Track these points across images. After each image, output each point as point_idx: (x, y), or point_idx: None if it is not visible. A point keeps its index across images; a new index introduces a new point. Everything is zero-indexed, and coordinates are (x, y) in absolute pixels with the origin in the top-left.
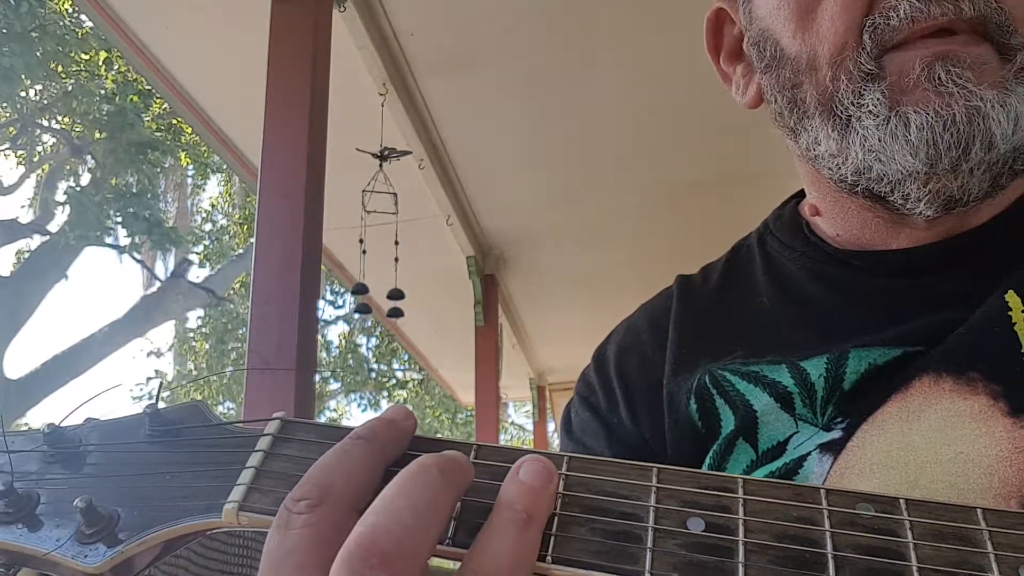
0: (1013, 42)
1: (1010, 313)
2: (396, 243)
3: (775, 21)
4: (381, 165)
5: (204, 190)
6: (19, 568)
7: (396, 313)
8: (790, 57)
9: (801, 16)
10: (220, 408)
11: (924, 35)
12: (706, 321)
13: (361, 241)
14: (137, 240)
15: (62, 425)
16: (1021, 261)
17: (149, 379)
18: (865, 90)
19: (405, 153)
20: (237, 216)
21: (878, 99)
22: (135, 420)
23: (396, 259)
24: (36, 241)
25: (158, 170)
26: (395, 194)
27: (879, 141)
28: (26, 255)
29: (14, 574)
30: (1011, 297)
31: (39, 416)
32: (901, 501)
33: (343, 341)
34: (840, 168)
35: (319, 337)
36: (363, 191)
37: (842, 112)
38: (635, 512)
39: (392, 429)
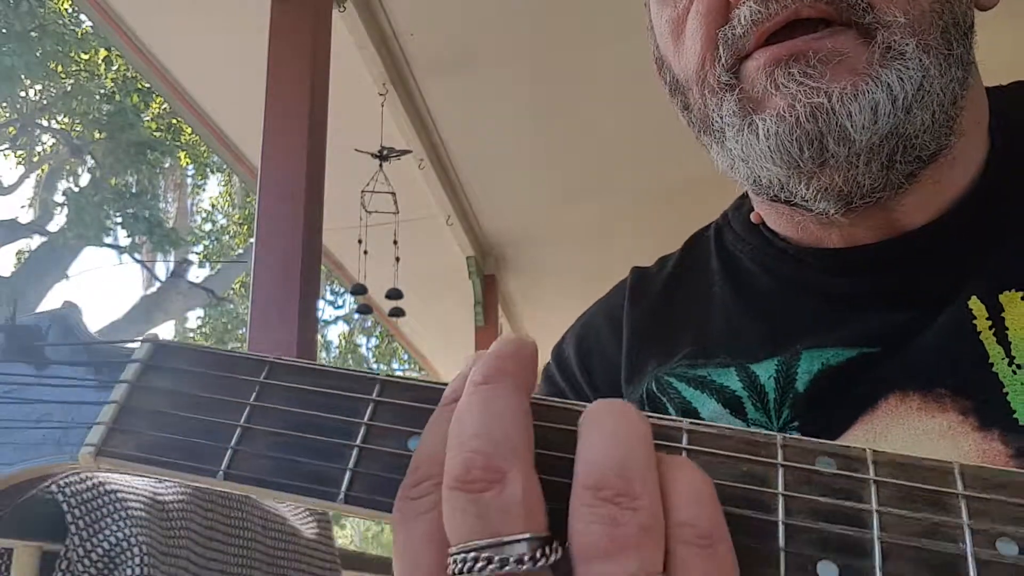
0: (868, 20)
1: (975, 322)
2: (396, 243)
3: (665, 47)
4: (381, 165)
5: (204, 190)
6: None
7: (397, 313)
8: (679, 80)
9: (675, 39)
10: None
11: (773, 33)
12: (657, 315)
13: (361, 241)
14: (137, 240)
15: None
16: (979, 263)
17: None
18: (724, 101)
19: (405, 153)
20: (237, 216)
21: (733, 110)
22: None
23: (396, 259)
24: (36, 241)
25: (158, 170)
26: (394, 194)
27: (743, 150)
28: (26, 255)
29: (8, 556)
30: (975, 304)
31: None
32: (868, 453)
33: (343, 341)
34: (740, 179)
35: (319, 337)
36: (363, 191)
37: (717, 127)
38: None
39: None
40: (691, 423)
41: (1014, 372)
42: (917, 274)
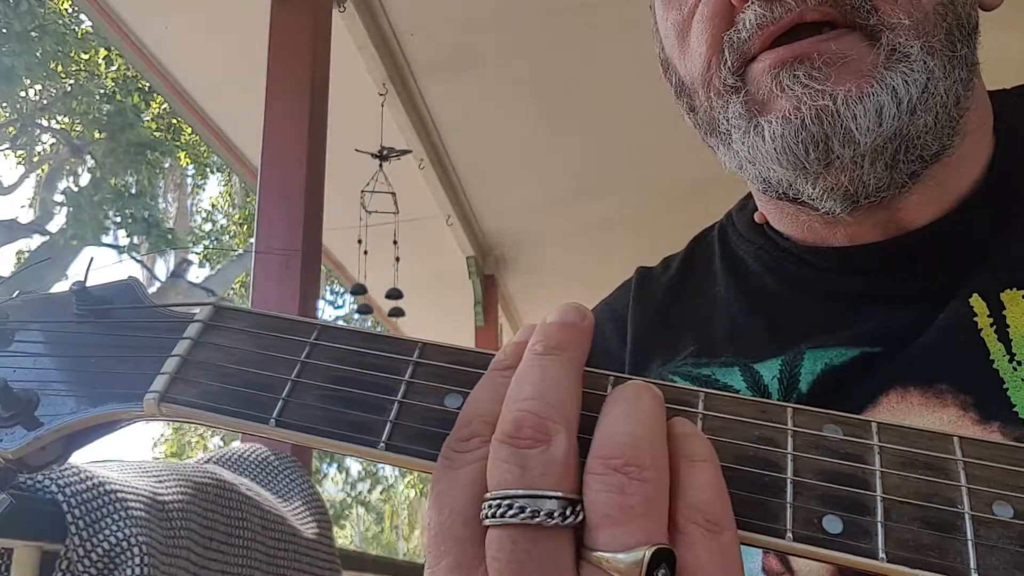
0: (873, 22)
1: (976, 319)
2: (395, 243)
3: (670, 50)
4: (381, 165)
5: (204, 190)
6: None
7: (397, 313)
8: (685, 83)
9: (680, 41)
10: None
11: (778, 37)
12: (661, 314)
13: (361, 241)
14: (136, 240)
15: None
16: (981, 262)
17: None
18: (730, 104)
19: (405, 153)
20: (237, 216)
21: (739, 112)
22: (63, 298)
23: (396, 259)
24: (36, 241)
25: (158, 170)
26: (394, 194)
27: (749, 151)
28: (26, 255)
29: (8, 556)
30: (976, 302)
31: None
32: (873, 424)
33: None
34: (749, 179)
35: None
36: (363, 191)
37: (723, 128)
38: None
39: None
40: (707, 392)
41: (1014, 369)
42: (920, 273)
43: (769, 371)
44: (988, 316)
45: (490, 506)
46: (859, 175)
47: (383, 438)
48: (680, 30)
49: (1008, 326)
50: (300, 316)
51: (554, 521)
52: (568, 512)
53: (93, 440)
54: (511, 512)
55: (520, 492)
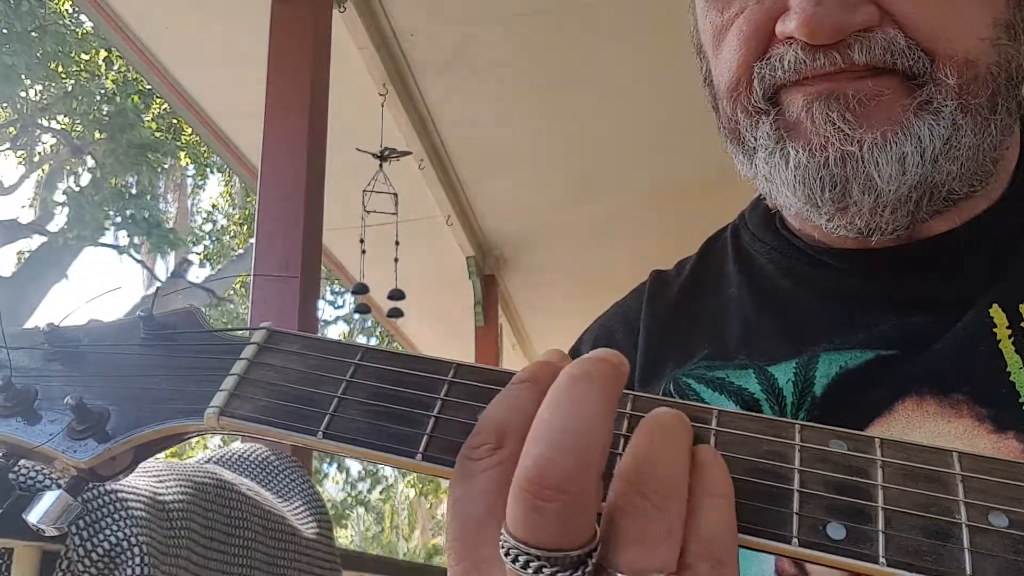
0: (923, 72)
1: (995, 330)
2: (396, 243)
3: (706, 43)
4: (381, 165)
5: (204, 190)
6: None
7: (396, 313)
8: (712, 78)
9: (715, 44)
10: None
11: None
12: (675, 318)
13: (361, 241)
14: (137, 241)
15: (61, 324)
16: (1000, 272)
17: None
18: (759, 124)
19: (405, 153)
20: (237, 216)
21: (768, 132)
22: (131, 324)
23: (396, 259)
24: (36, 241)
25: (158, 171)
26: (395, 194)
27: (770, 172)
28: (26, 255)
29: (8, 556)
30: (996, 312)
31: None
32: (876, 440)
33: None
34: (761, 191)
35: None
36: (363, 191)
37: (749, 144)
38: None
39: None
40: (720, 409)
41: None
42: (937, 278)
43: (784, 374)
44: (1007, 327)
45: (507, 551)
46: (876, 222)
47: (420, 449)
48: (717, 33)
49: None
50: (344, 340)
51: (568, 572)
52: (585, 559)
53: (159, 451)
54: (531, 565)
55: (538, 551)
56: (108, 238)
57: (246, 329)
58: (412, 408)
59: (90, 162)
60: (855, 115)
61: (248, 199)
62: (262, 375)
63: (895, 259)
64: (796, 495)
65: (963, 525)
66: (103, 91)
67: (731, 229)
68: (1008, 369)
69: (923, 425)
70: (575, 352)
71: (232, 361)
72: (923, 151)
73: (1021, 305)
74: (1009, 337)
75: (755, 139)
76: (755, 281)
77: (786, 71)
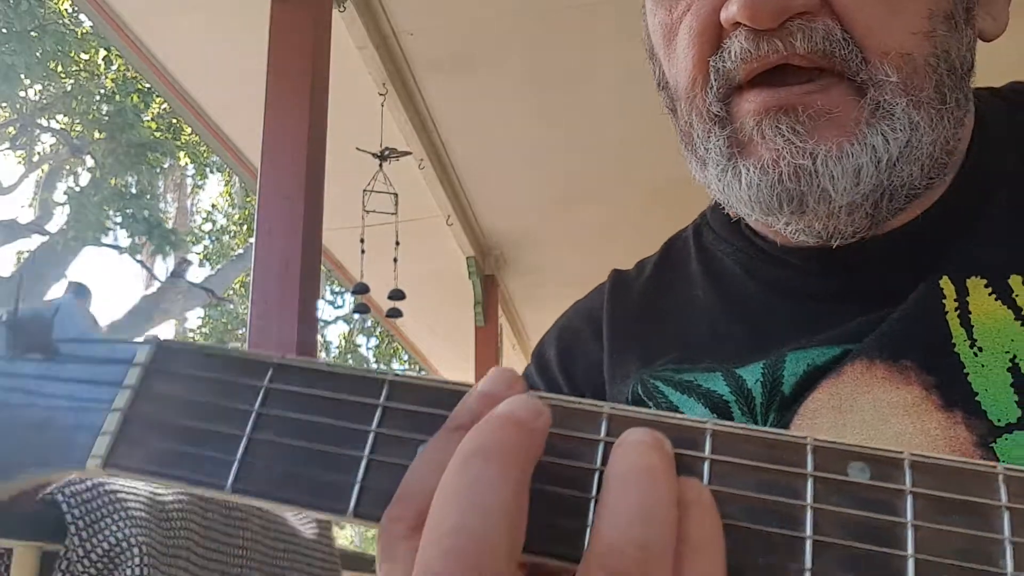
0: (863, 76)
1: (944, 301)
2: (396, 243)
3: (657, 46)
4: (381, 165)
5: (204, 190)
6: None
7: (395, 313)
8: (669, 84)
9: (666, 44)
10: None
11: (763, 72)
12: (639, 319)
13: (361, 241)
14: (137, 241)
15: None
16: (952, 247)
17: None
18: (712, 133)
19: (405, 153)
20: (237, 216)
21: (721, 146)
22: None
23: (395, 259)
24: (36, 241)
25: (158, 170)
26: (395, 194)
27: (722, 187)
28: (26, 255)
29: (8, 556)
30: (945, 284)
31: None
32: (905, 462)
33: (343, 341)
34: (717, 199)
35: (319, 337)
36: (363, 191)
37: (701, 150)
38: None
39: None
40: (715, 424)
41: (975, 355)
42: (898, 270)
43: (752, 375)
44: (955, 299)
45: None
46: (834, 224)
47: (351, 505)
48: (667, 32)
49: (971, 312)
50: (250, 351)
51: None
52: None
53: (36, 494)
54: None
55: None
56: (108, 238)
57: (128, 341)
58: (339, 447)
59: (90, 162)
60: (805, 128)
61: (248, 199)
62: (151, 409)
63: (857, 255)
64: (808, 545)
65: None
66: (102, 91)
67: (693, 229)
68: (954, 341)
69: (872, 390)
70: (540, 357)
71: (114, 390)
72: (878, 160)
73: (968, 280)
74: (955, 310)
75: (707, 149)
76: (720, 282)
77: (734, 61)
